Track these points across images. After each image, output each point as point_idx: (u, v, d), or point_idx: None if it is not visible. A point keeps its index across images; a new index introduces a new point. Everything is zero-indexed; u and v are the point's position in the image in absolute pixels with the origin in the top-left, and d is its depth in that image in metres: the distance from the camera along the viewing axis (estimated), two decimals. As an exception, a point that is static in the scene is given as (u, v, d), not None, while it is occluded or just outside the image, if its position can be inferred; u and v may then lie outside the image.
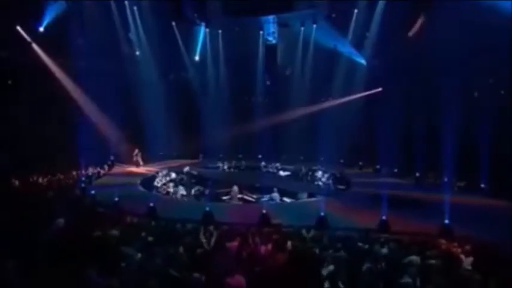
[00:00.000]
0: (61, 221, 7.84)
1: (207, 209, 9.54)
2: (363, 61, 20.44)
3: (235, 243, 6.81)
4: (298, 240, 7.51)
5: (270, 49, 22.41)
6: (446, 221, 8.62)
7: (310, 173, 17.46)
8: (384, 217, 8.92)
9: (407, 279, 5.69)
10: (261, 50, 22.27)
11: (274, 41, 22.35)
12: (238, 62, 21.94)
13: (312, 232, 8.16)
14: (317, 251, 7.03)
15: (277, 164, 19.14)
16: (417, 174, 15.87)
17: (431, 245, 7.42)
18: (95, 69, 16.87)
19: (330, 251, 7.03)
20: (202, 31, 22.40)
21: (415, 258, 6.67)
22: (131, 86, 19.18)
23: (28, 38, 15.51)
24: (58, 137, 15.19)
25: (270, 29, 22.13)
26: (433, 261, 6.53)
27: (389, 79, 18.11)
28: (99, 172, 16.32)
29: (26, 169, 14.09)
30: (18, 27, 15.20)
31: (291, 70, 22.81)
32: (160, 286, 4.92)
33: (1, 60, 14.64)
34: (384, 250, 7.19)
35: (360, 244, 7.46)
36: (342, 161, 19.42)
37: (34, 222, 7.47)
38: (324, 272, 5.82)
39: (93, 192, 11.62)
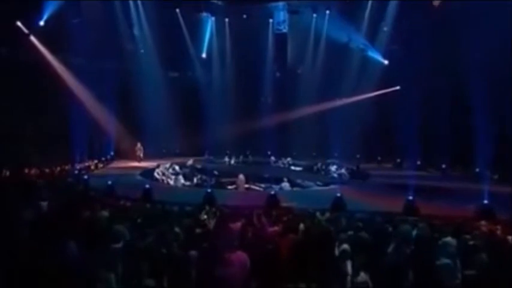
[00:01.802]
0: (44, 204, 7.44)
1: (209, 190, 8.85)
2: (378, 57, 19.70)
3: (238, 224, 6.18)
4: (311, 222, 6.83)
5: (280, 38, 21.79)
6: (486, 202, 7.73)
7: (324, 167, 16.66)
8: (410, 197, 8.06)
9: (445, 261, 4.95)
10: (270, 39, 21.69)
11: (284, 30, 21.74)
12: (246, 53, 21.37)
13: (328, 215, 7.43)
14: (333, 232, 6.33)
15: (288, 159, 18.52)
16: (443, 166, 14.93)
17: (469, 227, 6.57)
18: (96, 65, 16.79)
19: (349, 232, 6.31)
20: (209, 23, 21.99)
21: (451, 239, 5.88)
22: (134, 81, 18.92)
23: (26, 31, 15.29)
24: (57, 132, 14.96)
25: (280, 17, 21.57)
26: (473, 242, 5.73)
27: (409, 67, 17.32)
28: (96, 164, 15.91)
29: (21, 163, 13.76)
30: (18, 23, 15.04)
31: (302, 69, 22.17)
32: (151, 265, 4.75)
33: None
34: (413, 232, 6.39)
35: (384, 225, 6.67)
36: (358, 156, 18.63)
37: (18, 206, 7.06)
38: (337, 251, 5.29)
39: (86, 177, 11.09)
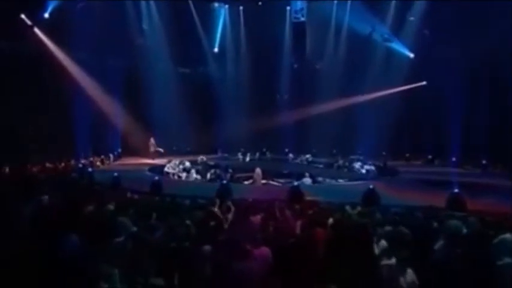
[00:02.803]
0: (45, 197, 7.18)
1: (224, 181, 8.36)
2: (404, 49, 19.06)
3: (258, 217, 5.76)
4: (342, 216, 6.29)
5: (298, 28, 21.19)
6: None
7: (347, 164, 16.14)
8: (455, 190, 7.38)
9: (509, 260, 4.33)
10: (287, 28, 21.14)
11: (302, 19, 21.15)
12: (262, 44, 20.87)
13: (359, 208, 6.86)
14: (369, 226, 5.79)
15: (308, 156, 18.08)
16: (484, 162, 14.15)
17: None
18: (103, 59, 16.84)
19: (387, 227, 5.74)
20: (222, 13, 21.59)
21: (510, 236, 5.25)
22: (144, 77, 18.74)
23: (29, 22, 15.19)
24: (61, 128, 15.03)
25: (297, 5, 21.03)
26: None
27: (441, 56, 16.57)
28: (102, 160, 15.71)
29: (23, 159, 13.64)
30: (22, 15, 14.96)
31: (321, 64, 21.55)
32: (159, 261, 4.56)
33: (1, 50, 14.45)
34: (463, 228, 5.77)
35: (428, 220, 6.08)
36: (383, 153, 18.03)
37: (18, 200, 6.80)
38: (377, 249, 4.68)
39: (90, 169, 10.78)
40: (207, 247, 4.39)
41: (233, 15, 21.44)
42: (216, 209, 6.25)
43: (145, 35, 19.82)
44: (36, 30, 15.55)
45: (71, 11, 15.57)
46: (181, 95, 19.35)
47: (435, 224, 6.00)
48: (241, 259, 3.63)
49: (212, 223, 5.73)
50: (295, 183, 11.60)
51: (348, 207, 6.89)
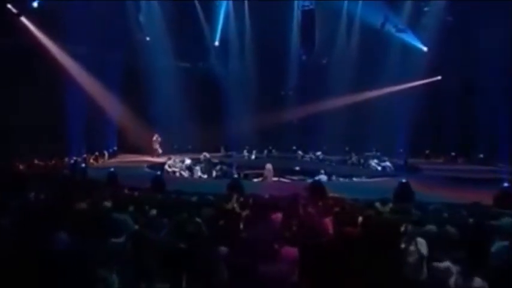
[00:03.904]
0: (32, 194, 7.05)
1: (235, 176, 7.81)
2: (417, 42, 18.67)
3: (279, 215, 5.32)
4: (375, 213, 5.76)
5: (307, 16, 20.64)
6: None
7: (362, 161, 15.81)
8: (505, 184, 6.80)
9: None
10: (296, 17, 20.62)
11: (311, 6, 20.60)
12: (268, 35, 20.30)
13: (390, 205, 6.34)
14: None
15: (319, 153, 17.73)
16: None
17: None
18: (100, 53, 16.53)
19: (429, 226, 5.24)
20: (224, 3, 21.05)
21: None
22: (142, 72, 18.40)
23: (15, 10, 14.69)
24: (52, 124, 14.75)
25: (306, -8, 20.53)
26: None
27: (464, 47, 16.06)
28: (96, 157, 15.34)
29: (11, 157, 13.18)
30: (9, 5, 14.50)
31: (329, 58, 21.02)
32: (165, 263, 4.40)
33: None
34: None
35: (481, 219, 5.55)
36: (401, 150, 17.60)
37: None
38: (423, 249, 4.48)
39: (83, 165, 10.27)
40: (223, 248, 4.13)
41: (236, 4, 20.93)
42: (232, 205, 5.76)
43: (144, 28, 19.32)
44: (25, 20, 15.05)
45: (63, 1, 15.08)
46: (182, 90, 18.98)
47: (485, 223, 5.45)
48: (268, 260, 3.20)
49: (226, 221, 5.24)
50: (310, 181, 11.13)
51: (377, 204, 6.39)
